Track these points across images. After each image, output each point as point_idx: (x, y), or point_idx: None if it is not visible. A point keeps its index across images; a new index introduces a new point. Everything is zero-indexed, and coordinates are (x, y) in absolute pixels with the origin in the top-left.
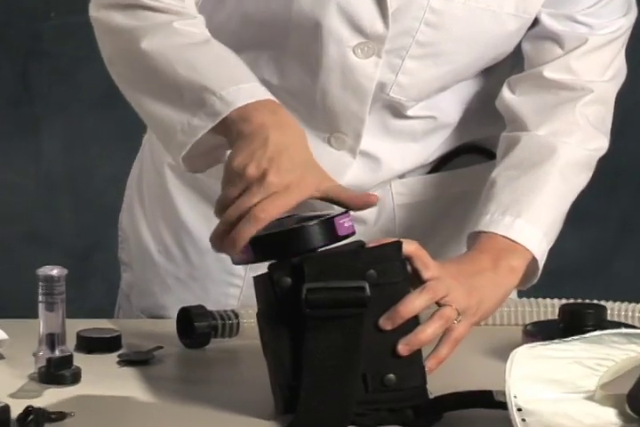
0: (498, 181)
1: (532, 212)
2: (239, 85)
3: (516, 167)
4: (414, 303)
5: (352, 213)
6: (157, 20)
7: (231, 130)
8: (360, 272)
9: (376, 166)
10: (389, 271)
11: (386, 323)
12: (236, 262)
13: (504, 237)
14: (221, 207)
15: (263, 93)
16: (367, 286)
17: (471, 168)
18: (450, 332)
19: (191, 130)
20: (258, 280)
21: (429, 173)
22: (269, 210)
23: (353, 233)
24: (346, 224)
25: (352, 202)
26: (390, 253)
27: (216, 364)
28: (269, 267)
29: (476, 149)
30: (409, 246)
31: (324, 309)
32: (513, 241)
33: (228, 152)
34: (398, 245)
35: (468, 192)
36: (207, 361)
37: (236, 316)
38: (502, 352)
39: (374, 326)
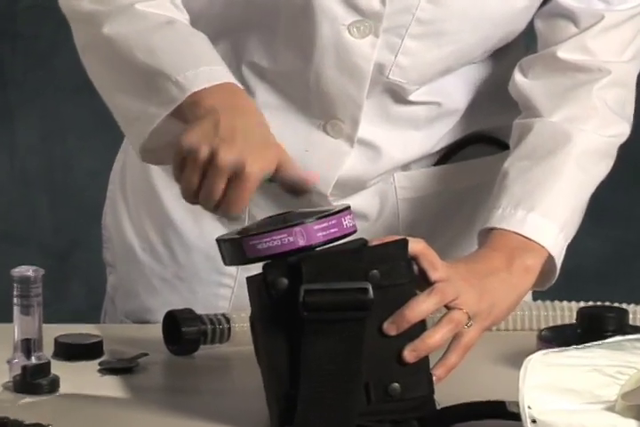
0: (510, 172)
1: (546, 204)
2: (198, 69)
3: (528, 157)
4: (421, 307)
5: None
6: (119, 2)
7: (186, 116)
8: (362, 273)
9: (376, 156)
10: (394, 272)
11: (390, 328)
12: (228, 262)
13: (517, 233)
14: (189, 194)
15: (222, 76)
16: (370, 287)
17: (481, 160)
18: (459, 337)
19: (148, 118)
20: (251, 281)
21: (435, 164)
22: (237, 201)
23: (354, 231)
24: (347, 222)
25: (294, 181)
26: (395, 253)
27: (205, 372)
28: (264, 267)
29: (486, 139)
30: (415, 245)
31: (324, 312)
32: (527, 238)
33: None
34: (404, 243)
35: (479, 186)
36: (196, 369)
37: (227, 320)
38: (515, 359)
39: (378, 331)
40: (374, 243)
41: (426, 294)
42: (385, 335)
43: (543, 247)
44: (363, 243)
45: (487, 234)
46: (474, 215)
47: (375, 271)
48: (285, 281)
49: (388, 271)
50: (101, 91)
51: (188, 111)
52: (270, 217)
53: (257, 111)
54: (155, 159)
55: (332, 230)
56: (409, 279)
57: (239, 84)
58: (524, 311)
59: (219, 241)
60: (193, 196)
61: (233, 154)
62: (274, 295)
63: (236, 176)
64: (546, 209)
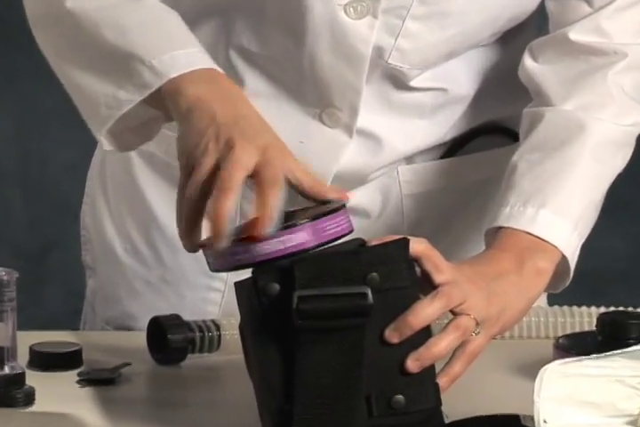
0: (519, 165)
1: (558, 200)
2: (174, 52)
3: (539, 149)
4: (426, 312)
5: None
6: None
7: (165, 105)
8: (360, 276)
9: (377, 147)
10: (395, 274)
11: (392, 335)
12: (215, 268)
13: (527, 233)
14: (194, 209)
15: (202, 61)
16: (369, 291)
17: (492, 152)
18: (465, 345)
19: (116, 104)
20: (240, 287)
21: (442, 157)
22: (275, 179)
23: (351, 231)
24: (343, 222)
25: (316, 190)
26: (395, 253)
27: (193, 383)
28: (253, 271)
29: (498, 129)
30: (417, 245)
31: (319, 320)
32: (538, 237)
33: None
34: (404, 243)
35: (489, 180)
36: (183, 380)
37: (217, 327)
38: (530, 369)
39: (379, 340)
40: (373, 243)
41: (430, 298)
42: (386, 344)
43: (556, 247)
44: (360, 243)
45: (495, 234)
46: (483, 212)
47: (374, 274)
48: (277, 287)
49: (388, 274)
50: (58, 68)
51: (169, 101)
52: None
53: (247, 100)
54: (117, 144)
55: (327, 232)
56: (411, 282)
57: (220, 70)
58: (539, 318)
59: (202, 247)
60: (197, 211)
61: (250, 140)
62: (264, 302)
63: (261, 178)
64: (558, 205)
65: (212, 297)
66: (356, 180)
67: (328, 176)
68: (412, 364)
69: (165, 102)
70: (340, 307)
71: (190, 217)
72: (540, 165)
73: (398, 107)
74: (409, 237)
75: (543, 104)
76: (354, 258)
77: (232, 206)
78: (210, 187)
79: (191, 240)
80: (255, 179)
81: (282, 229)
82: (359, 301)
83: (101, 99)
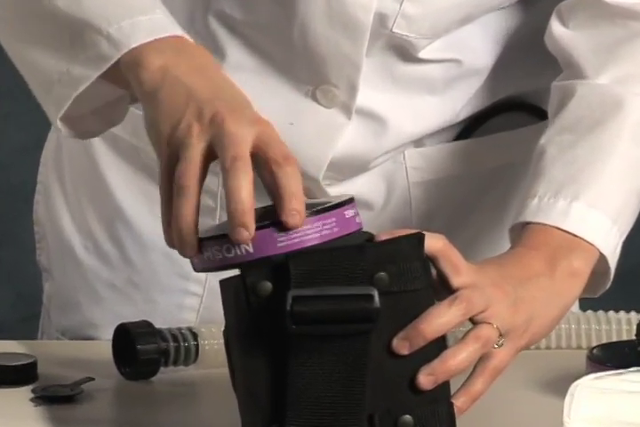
0: (547, 150)
1: (594, 191)
2: (134, 19)
3: (570, 130)
4: (441, 319)
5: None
6: None
7: (127, 79)
8: (366, 275)
9: (380, 129)
10: (406, 275)
11: (402, 345)
12: (198, 268)
13: (558, 228)
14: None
15: (167, 28)
16: (376, 293)
17: (515, 132)
18: (487, 359)
19: (71, 81)
20: (226, 286)
21: (456, 139)
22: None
23: (359, 229)
24: (350, 218)
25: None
26: (408, 250)
27: (167, 402)
28: (242, 268)
29: (521, 106)
30: (434, 242)
31: (317, 325)
32: (571, 234)
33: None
34: (419, 238)
35: (512, 166)
36: (155, 398)
37: (195, 336)
38: (559, 385)
39: (385, 350)
40: (382, 238)
41: (447, 304)
42: (395, 355)
43: (592, 245)
44: (367, 238)
45: (521, 230)
46: (505, 204)
47: (382, 274)
48: (269, 285)
49: (399, 274)
50: (6, 43)
51: (130, 75)
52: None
53: (221, 69)
54: (76, 131)
55: (332, 230)
56: (425, 284)
57: (188, 37)
58: (570, 325)
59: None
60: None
61: (240, 115)
62: (254, 303)
63: (268, 156)
64: (594, 196)
65: (188, 303)
66: (356, 167)
67: (323, 163)
68: (425, 379)
69: (127, 77)
70: (342, 310)
71: (188, 211)
72: (572, 149)
73: (404, 82)
74: (424, 232)
75: (574, 77)
76: (359, 254)
77: (251, 188)
78: (204, 174)
79: (193, 238)
80: (258, 158)
81: (276, 224)
82: (364, 304)
83: (54, 76)
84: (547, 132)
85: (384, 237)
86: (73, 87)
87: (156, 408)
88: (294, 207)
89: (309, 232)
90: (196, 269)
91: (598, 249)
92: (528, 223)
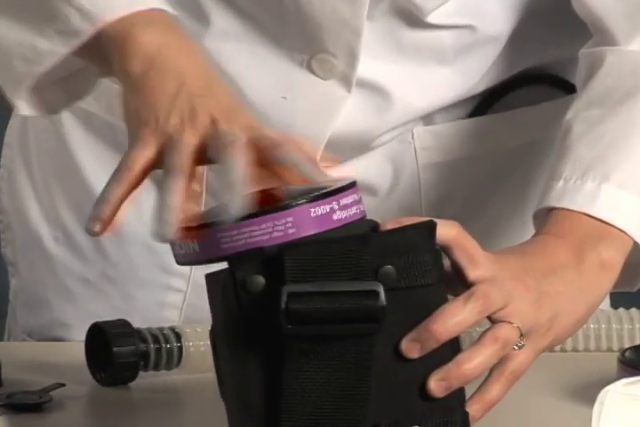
0: (574, 126)
1: (626, 171)
2: None
3: (599, 103)
4: (456, 318)
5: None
6: None
7: (104, 55)
8: (371, 269)
9: (383, 103)
10: (416, 268)
11: (411, 348)
12: (181, 261)
13: (586, 215)
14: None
15: (147, 1)
16: (382, 289)
17: (538, 107)
18: (505, 362)
19: (35, 56)
20: (213, 281)
21: (471, 115)
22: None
23: (362, 218)
24: (352, 204)
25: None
26: (417, 241)
27: (146, 410)
28: (231, 261)
29: (544, 78)
30: (446, 230)
31: (315, 324)
32: (601, 220)
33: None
34: (430, 227)
35: (534, 145)
36: (133, 406)
37: (178, 337)
38: (587, 392)
39: (392, 353)
40: (388, 227)
41: (462, 301)
42: (403, 359)
43: (624, 233)
44: (371, 226)
45: (546, 217)
46: (527, 188)
47: (389, 267)
48: (261, 280)
49: (408, 267)
50: None
51: (114, 49)
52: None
53: (205, 51)
54: (37, 106)
55: (285, 231)
56: (436, 278)
57: (171, 11)
58: (599, 324)
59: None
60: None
61: (239, 120)
62: (244, 300)
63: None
64: (626, 177)
65: (170, 300)
66: (358, 146)
67: (320, 142)
68: (437, 385)
69: (104, 51)
70: (343, 309)
71: (177, 200)
72: (601, 124)
73: (411, 50)
74: (436, 220)
75: (604, 43)
76: (363, 245)
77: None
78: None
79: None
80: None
81: (273, 213)
82: (368, 301)
83: (15, 49)
84: (573, 105)
85: (390, 227)
86: (37, 63)
87: (135, 418)
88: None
89: (256, 234)
90: (181, 262)
91: (632, 237)
92: (553, 209)
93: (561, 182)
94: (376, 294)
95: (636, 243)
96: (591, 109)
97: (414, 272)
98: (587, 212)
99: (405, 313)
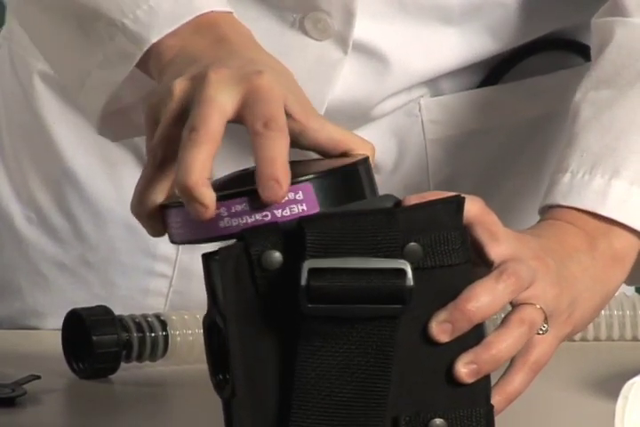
0: (582, 109)
1: (639, 164)
2: (150, 1)
3: (608, 83)
4: (489, 297)
5: None
6: None
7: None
8: (397, 246)
9: (383, 67)
10: (443, 246)
11: (441, 329)
12: (176, 239)
13: (595, 214)
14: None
15: (200, 5)
16: (409, 268)
17: (554, 75)
18: (528, 350)
19: (97, 83)
20: (221, 259)
21: (483, 85)
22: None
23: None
24: None
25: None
26: (445, 217)
27: (129, 405)
28: (244, 235)
29: (562, 43)
30: (469, 205)
31: (337, 304)
32: (610, 220)
33: None
34: (458, 202)
35: (552, 117)
36: (114, 400)
37: (163, 325)
38: (610, 385)
39: (419, 337)
40: (412, 201)
41: (494, 279)
42: (428, 344)
43: (636, 230)
44: (394, 201)
45: (552, 213)
46: (544, 164)
47: (414, 245)
48: (278, 256)
49: (435, 245)
50: (44, 53)
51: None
52: (243, 171)
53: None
54: (120, 129)
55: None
56: (464, 258)
57: (227, 9)
58: (623, 311)
59: (166, 208)
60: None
61: (226, 65)
62: (260, 279)
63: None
64: (638, 171)
65: (154, 286)
66: (358, 115)
67: (319, 109)
68: (465, 369)
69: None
70: (369, 287)
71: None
72: (611, 108)
73: (413, 7)
74: (464, 196)
75: (615, 13)
76: (389, 221)
77: (207, 159)
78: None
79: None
80: (243, 119)
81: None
82: (395, 280)
83: (79, 79)
84: (582, 85)
85: (415, 201)
86: (101, 90)
87: (116, 413)
88: (274, 175)
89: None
90: (178, 241)
91: None
92: (556, 207)
93: (567, 176)
94: (403, 272)
95: None
96: (600, 90)
97: (441, 251)
98: (596, 211)
99: (431, 295)
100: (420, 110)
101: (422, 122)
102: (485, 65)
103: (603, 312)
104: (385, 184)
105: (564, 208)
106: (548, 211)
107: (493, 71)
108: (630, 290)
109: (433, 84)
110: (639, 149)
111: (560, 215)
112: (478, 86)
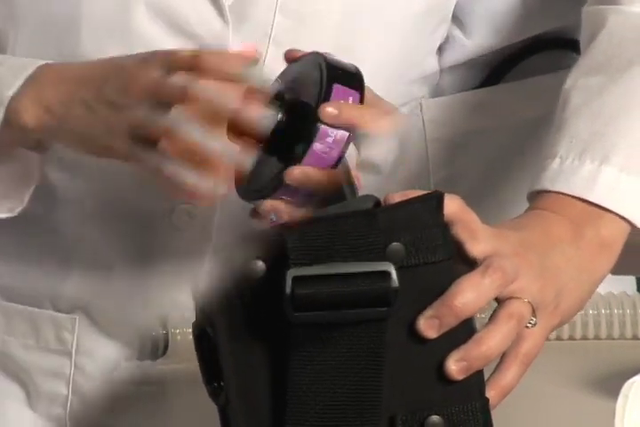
0: (571, 96)
1: (629, 150)
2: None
3: (598, 70)
4: (475, 292)
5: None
6: None
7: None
8: (379, 247)
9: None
10: (425, 244)
11: (429, 325)
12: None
13: (584, 200)
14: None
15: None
16: (393, 270)
17: (555, 75)
18: (518, 343)
19: None
20: (205, 270)
21: (484, 85)
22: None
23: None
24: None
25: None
26: (425, 214)
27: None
28: (227, 243)
29: (563, 43)
30: (449, 203)
31: (323, 311)
32: (599, 207)
33: None
34: (437, 198)
35: (552, 117)
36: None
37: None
38: (610, 384)
39: (405, 337)
40: (395, 199)
41: (479, 275)
42: (418, 341)
43: (624, 219)
44: (375, 201)
45: (540, 199)
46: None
47: (396, 244)
48: (261, 265)
49: (416, 243)
50: None
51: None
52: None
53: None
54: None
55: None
56: (447, 255)
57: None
58: (624, 310)
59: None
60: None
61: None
62: (245, 290)
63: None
64: (628, 157)
65: None
66: None
67: None
68: (456, 366)
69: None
70: (354, 292)
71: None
72: (602, 95)
73: None
74: (442, 192)
75: (606, 2)
76: (369, 223)
77: None
78: None
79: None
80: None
81: None
82: (380, 283)
83: None
84: (572, 72)
85: (397, 199)
86: None
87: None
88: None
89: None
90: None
91: (635, 224)
92: (545, 193)
93: (556, 161)
94: (387, 275)
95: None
96: (590, 77)
97: (424, 248)
98: (583, 197)
99: (415, 293)
100: (421, 110)
101: (423, 121)
102: (487, 64)
103: (603, 311)
104: (385, 184)
105: (552, 193)
106: (535, 196)
107: (494, 71)
108: (631, 289)
109: (434, 84)
110: (628, 135)
111: (547, 201)
112: (480, 86)
